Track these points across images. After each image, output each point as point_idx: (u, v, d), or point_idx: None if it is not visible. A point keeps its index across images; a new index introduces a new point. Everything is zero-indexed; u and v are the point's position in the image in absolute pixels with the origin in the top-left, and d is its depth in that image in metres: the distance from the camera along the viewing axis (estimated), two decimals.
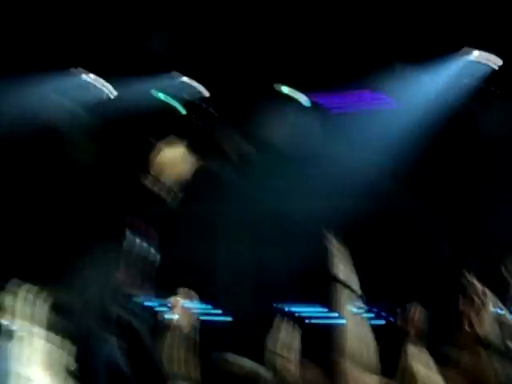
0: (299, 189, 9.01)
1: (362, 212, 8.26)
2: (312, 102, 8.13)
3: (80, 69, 7.80)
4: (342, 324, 3.47)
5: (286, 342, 3.98)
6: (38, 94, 7.71)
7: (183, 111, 8.21)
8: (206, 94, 8.02)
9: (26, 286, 3.41)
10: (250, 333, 7.74)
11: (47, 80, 7.65)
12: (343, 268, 3.47)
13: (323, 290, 3.67)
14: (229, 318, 9.00)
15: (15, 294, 3.31)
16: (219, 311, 8.96)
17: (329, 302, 3.64)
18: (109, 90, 7.89)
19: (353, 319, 3.42)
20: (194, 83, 7.94)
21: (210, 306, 8.85)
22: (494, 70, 7.29)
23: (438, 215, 8.40)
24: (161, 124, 7.50)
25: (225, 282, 9.09)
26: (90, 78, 7.86)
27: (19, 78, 7.35)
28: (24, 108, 7.66)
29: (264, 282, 8.87)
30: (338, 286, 3.52)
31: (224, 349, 4.30)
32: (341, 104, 8.35)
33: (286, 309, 8.56)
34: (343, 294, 3.49)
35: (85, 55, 7.56)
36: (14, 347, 3.21)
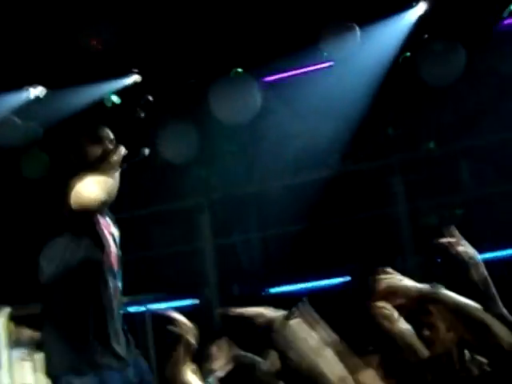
0: (255, 167, 9.01)
1: (317, 182, 8.31)
2: (250, 74, 8.02)
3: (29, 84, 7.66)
4: None
5: None
6: None
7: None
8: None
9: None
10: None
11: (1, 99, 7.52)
12: None
13: None
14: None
15: None
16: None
17: None
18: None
19: None
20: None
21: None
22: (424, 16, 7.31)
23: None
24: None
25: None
26: (40, 91, 7.74)
27: None
28: None
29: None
30: None
31: None
32: (279, 72, 8.29)
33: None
34: None
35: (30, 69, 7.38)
36: None
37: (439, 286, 2.65)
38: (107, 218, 3.68)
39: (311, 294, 8.37)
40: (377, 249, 7.80)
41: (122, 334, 3.47)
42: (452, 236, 3.35)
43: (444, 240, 3.39)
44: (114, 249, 3.59)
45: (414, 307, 2.75)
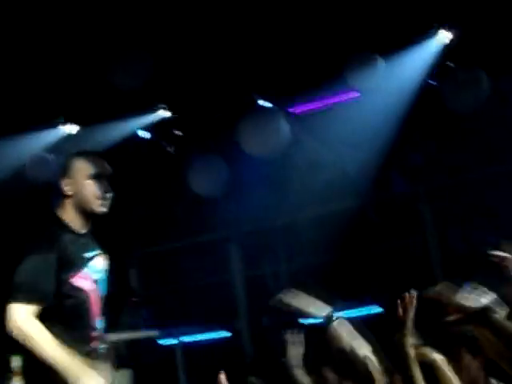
0: (283, 198, 9.06)
1: (351, 210, 8.32)
2: (279, 107, 8.10)
3: (63, 120, 7.81)
4: None
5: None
6: (26, 151, 7.73)
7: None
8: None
9: None
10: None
11: (31, 135, 7.68)
12: None
13: None
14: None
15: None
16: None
17: None
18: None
19: None
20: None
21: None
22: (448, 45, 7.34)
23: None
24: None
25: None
26: (72, 128, 7.89)
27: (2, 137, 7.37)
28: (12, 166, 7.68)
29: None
30: None
31: None
32: (306, 104, 8.36)
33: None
34: None
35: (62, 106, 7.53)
36: None
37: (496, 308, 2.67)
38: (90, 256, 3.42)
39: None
40: (407, 277, 7.75)
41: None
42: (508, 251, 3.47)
43: (499, 253, 3.49)
44: (95, 294, 3.39)
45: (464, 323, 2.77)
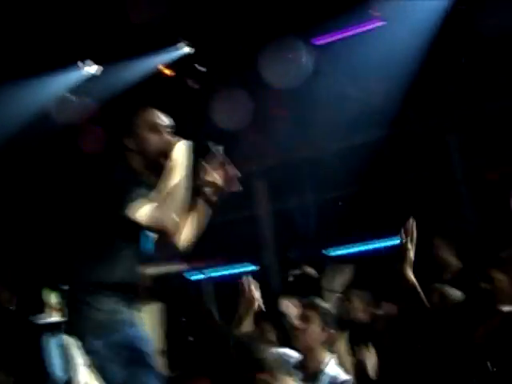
0: (308, 131, 8.98)
1: (372, 144, 8.24)
2: (302, 38, 7.94)
3: (84, 61, 7.73)
4: None
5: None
6: (47, 92, 7.70)
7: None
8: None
9: None
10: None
11: (54, 77, 7.63)
12: None
13: None
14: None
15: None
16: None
17: None
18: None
19: None
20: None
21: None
22: None
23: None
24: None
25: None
26: (94, 68, 7.81)
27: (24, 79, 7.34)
28: (35, 108, 7.67)
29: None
30: None
31: None
32: (329, 34, 8.18)
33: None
34: None
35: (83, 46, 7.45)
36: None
37: None
38: None
39: (367, 256, 8.38)
40: (432, 209, 7.72)
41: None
42: None
43: None
44: None
45: None
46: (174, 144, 3.24)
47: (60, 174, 8.27)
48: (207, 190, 3.43)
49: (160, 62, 7.85)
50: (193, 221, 3.35)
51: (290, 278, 6.06)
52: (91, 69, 7.88)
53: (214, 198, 3.47)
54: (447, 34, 7.37)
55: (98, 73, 7.85)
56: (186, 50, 7.80)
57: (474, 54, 7.84)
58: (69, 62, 7.72)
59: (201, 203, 3.42)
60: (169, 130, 3.35)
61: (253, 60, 7.53)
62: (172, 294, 8.46)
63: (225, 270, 9.22)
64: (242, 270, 9.08)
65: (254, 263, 9.17)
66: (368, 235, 8.39)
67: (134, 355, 3.09)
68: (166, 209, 3.06)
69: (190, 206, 3.37)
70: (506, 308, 2.84)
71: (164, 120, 3.37)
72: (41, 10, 6.79)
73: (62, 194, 8.06)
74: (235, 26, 7.50)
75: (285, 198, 9.36)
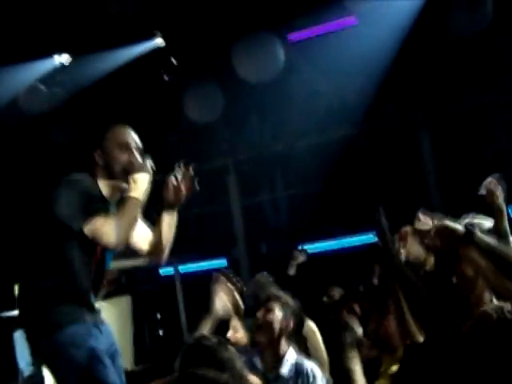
0: (280, 126, 9.00)
1: (343, 140, 8.29)
2: (275, 34, 7.94)
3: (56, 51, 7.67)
4: None
5: None
6: (19, 82, 7.64)
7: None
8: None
9: None
10: None
11: (27, 67, 7.57)
12: None
13: None
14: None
15: None
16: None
17: None
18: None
19: None
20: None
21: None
22: None
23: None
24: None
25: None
26: (65, 58, 7.75)
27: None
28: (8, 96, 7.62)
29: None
30: None
31: None
32: (303, 31, 8.19)
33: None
34: None
35: (54, 36, 7.38)
36: None
37: (475, 227, 2.70)
38: None
39: (338, 251, 8.43)
40: (403, 205, 7.78)
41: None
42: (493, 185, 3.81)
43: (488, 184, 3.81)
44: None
45: (446, 247, 2.78)
46: (140, 166, 3.30)
47: (26, 165, 8.22)
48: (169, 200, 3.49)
49: (133, 54, 7.81)
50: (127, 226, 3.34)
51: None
52: (62, 59, 7.82)
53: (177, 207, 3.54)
54: (420, 32, 7.42)
55: (70, 63, 7.79)
56: (160, 42, 7.77)
57: (446, 52, 7.91)
58: (40, 51, 7.66)
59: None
60: (138, 150, 3.39)
61: (226, 54, 7.53)
62: (141, 288, 8.44)
63: (194, 263, 9.22)
64: (213, 263, 9.08)
65: (223, 257, 9.19)
66: (339, 230, 8.44)
67: (93, 354, 3.11)
68: (116, 229, 3.16)
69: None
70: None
71: (135, 140, 3.41)
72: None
73: (26, 185, 8.02)
74: (209, 19, 7.48)
75: (256, 192, 9.38)
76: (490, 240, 2.66)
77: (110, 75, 7.67)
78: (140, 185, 3.28)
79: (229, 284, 3.74)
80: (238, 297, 3.75)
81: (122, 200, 3.29)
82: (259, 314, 3.80)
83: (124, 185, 3.32)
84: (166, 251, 3.53)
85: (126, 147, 3.36)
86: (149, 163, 3.34)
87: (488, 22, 6.98)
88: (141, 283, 8.47)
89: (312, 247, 8.60)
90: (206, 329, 3.50)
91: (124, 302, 7.89)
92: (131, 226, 3.25)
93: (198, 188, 3.46)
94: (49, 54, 7.73)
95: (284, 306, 3.83)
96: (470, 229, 2.67)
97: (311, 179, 8.68)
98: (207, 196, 9.16)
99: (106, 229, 3.16)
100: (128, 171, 3.31)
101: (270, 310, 3.81)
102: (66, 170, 3.31)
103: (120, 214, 3.23)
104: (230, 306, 3.72)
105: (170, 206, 3.52)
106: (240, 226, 9.19)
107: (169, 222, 3.52)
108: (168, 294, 8.59)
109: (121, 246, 3.25)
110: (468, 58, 7.92)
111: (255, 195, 9.39)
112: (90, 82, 7.72)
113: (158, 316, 8.40)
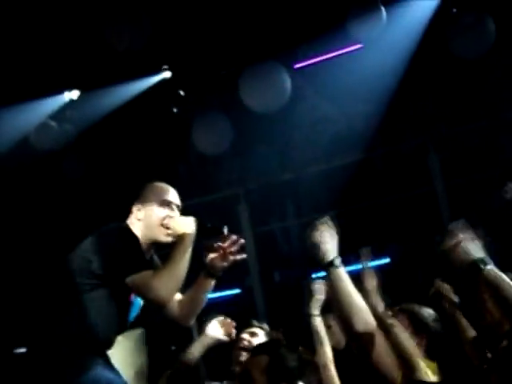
0: (289, 154, 9.00)
1: (352, 166, 8.28)
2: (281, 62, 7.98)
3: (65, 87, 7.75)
4: None
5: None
6: (30, 120, 7.70)
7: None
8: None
9: None
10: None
11: (38, 104, 7.63)
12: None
13: None
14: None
15: None
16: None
17: None
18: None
19: None
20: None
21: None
22: None
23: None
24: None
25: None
26: (74, 94, 7.83)
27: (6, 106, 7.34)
28: (19, 134, 7.67)
29: None
30: None
31: None
32: (308, 58, 8.24)
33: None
34: None
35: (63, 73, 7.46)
36: None
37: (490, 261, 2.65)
38: None
39: (353, 277, 8.36)
40: (415, 229, 7.74)
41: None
42: None
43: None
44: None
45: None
46: (184, 224, 3.24)
47: (42, 202, 8.25)
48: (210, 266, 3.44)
49: (141, 87, 7.88)
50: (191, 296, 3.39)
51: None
52: (72, 95, 7.88)
53: (218, 274, 3.48)
54: (424, 56, 7.46)
55: (79, 98, 7.85)
56: (167, 75, 7.83)
57: (452, 74, 7.94)
58: (50, 88, 7.73)
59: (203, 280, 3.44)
60: (178, 209, 3.35)
61: (233, 85, 7.57)
62: (155, 320, 8.39)
63: (210, 293, 9.17)
64: (227, 293, 9.03)
65: (237, 287, 9.14)
66: (350, 257, 8.38)
67: None
68: (165, 284, 3.11)
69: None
70: None
71: (176, 198, 3.37)
72: (21, 36, 6.80)
73: (45, 225, 8.02)
74: (215, 50, 7.55)
75: (268, 220, 9.36)
76: (503, 279, 2.60)
77: (119, 109, 7.72)
78: (186, 242, 3.20)
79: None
80: None
81: (166, 256, 3.21)
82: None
83: (162, 240, 3.25)
84: (195, 315, 3.44)
85: (168, 205, 3.30)
86: (193, 222, 3.25)
87: (491, 42, 7.02)
88: (154, 314, 8.43)
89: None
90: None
91: (137, 335, 7.84)
92: (179, 283, 3.16)
93: (245, 256, 3.39)
94: (58, 90, 7.80)
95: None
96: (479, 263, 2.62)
97: (322, 206, 8.66)
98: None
99: (155, 284, 3.08)
100: (169, 228, 3.23)
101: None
102: (99, 218, 3.26)
103: (167, 271, 3.14)
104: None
105: (212, 273, 3.41)
106: (253, 254, 9.15)
107: (207, 287, 3.45)
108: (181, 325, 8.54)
109: (168, 303, 3.20)
110: (474, 79, 7.94)
111: (266, 224, 9.37)
112: (99, 117, 7.78)
113: (173, 348, 8.34)
